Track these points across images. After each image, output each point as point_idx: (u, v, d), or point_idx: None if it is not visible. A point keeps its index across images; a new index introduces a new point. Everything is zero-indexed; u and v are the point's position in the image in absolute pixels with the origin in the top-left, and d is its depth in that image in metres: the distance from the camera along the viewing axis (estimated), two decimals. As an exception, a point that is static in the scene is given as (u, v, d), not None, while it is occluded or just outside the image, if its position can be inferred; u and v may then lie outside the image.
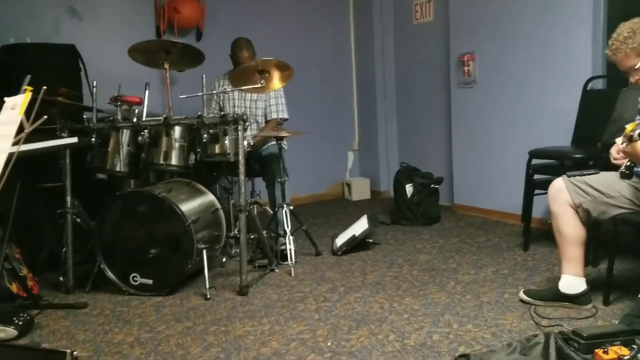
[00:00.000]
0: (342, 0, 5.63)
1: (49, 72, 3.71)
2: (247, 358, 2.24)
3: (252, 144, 3.41)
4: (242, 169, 3.08)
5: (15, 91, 3.21)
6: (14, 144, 1.12)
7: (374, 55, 5.45)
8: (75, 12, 4.36)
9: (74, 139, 2.95)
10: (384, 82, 5.50)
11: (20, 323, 2.50)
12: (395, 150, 5.57)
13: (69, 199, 3.18)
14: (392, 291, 2.91)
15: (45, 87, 1.22)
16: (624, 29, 2.25)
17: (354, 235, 3.65)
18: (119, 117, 3.21)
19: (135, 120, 3.18)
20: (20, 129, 1.15)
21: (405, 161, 4.84)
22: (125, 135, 3.23)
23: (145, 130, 3.16)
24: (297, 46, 5.17)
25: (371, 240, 3.82)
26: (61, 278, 3.13)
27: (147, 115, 3.23)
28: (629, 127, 2.18)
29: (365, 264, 3.42)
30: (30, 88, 1.19)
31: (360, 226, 3.74)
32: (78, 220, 3.21)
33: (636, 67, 2.24)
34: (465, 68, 4.47)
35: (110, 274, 3.06)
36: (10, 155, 1.12)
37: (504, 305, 2.64)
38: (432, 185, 4.45)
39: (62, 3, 4.31)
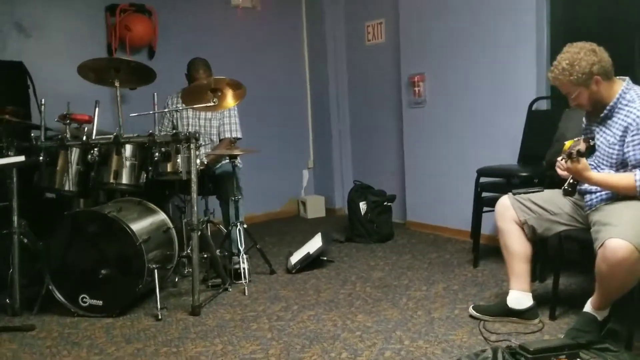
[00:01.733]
0: (295, 20, 5.70)
1: (-6, 89, 3.64)
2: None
3: (205, 162, 3.41)
4: (194, 187, 3.06)
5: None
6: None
7: (328, 74, 5.54)
8: (22, 28, 4.27)
9: (21, 158, 2.89)
10: (338, 101, 5.59)
11: (-40, 349, 2.41)
12: (349, 168, 5.65)
13: (15, 219, 3.09)
14: (345, 308, 2.94)
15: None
16: (563, 58, 2.30)
17: (308, 253, 3.67)
18: (68, 136, 3.15)
19: (85, 138, 3.12)
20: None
21: (359, 179, 4.92)
22: (75, 154, 3.16)
23: (95, 149, 3.11)
24: (250, 65, 5.20)
25: (325, 258, 3.85)
26: (7, 300, 3.03)
27: (98, 134, 3.18)
28: (567, 143, 2.30)
29: (319, 282, 3.44)
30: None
31: (314, 244, 3.77)
32: (25, 240, 3.12)
33: (572, 96, 2.34)
34: (416, 89, 4.59)
35: (58, 296, 2.98)
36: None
37: (454, 320, 2.70)
38: (385, 203, 4.53)
39: (9, 19, 4.21)
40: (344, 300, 3.08)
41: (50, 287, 2.98)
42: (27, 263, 3.13)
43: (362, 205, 4.46)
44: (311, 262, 3.68)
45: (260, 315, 2.90)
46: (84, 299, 2.97)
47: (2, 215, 3.13)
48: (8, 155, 2.98)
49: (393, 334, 2.57)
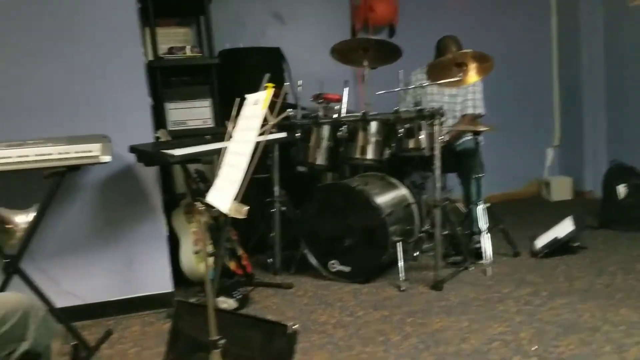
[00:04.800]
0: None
1: (258, 74, 4.08)
2: (446, 352, 2.23)
3: (446, 139, 3.39)
4: (437, 163, 3.06)
5: (232, 91, 3.60)
6: (260, 135, 1.25)
7: (580, 43, 5.00)
8: (279, 16, 4.71)
9: (283, 134, 3.21)
10: (591, 70, 5.01)
11: (240, 297, 2.81)
12: (603, 147, 5.05)
13: (276, 189, 3.46)
14: (604, 300, 2.66)
15: (273, 85, 1.34)
16: None
17: (557, 237, 3.41)
18: (321, 114, 3.41)
19: (335, 116, 3.35)
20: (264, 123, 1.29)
21: (617, 158, 4.37)
22: (326, 131, 3.41)
23: (344, 126, 3.32)
24: (491, 39, 4.92)
25: (576, 244, 3.53)
26: (269, 260, 3.43)
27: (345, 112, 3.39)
28: None
29: (570, 269, 3.17)
30: (271, 85, 1.32)
31: (563, 228, 3.48)
32: (283, 208, 3.48)
33: None
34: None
35: (312, 259, 3.27)
36: (257, 145, 1.26)
37: None
38: (651, 187, 3.96)
39: (268, 9, 4.68)
40: (601, 291, 2.80)
41: (305, 251, 3.29)
42: (285, 229, 3.50)
43: (621, 189, 3.97)
44: (559, 248, 3.41)
45: (506, 297, 2.79)
46: (333, 264, 3.20)
47: (265, 186, 3.54)
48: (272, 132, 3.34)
49: (667, 333, 2.25)
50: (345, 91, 3.42)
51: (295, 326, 1.64)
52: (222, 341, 1.36)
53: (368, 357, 2.24)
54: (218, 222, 2.82)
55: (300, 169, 4.03)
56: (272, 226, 3.46)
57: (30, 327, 1.34)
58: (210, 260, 3.15)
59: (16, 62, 2.68)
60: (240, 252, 3.26)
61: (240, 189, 1.25)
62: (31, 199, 2.11)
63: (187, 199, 3.33)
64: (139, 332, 2.68)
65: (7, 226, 1.19)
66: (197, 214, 1.34)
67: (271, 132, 3.36)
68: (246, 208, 1.23)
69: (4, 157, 2.29)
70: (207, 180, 3.43)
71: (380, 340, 2.38)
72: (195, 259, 3.18)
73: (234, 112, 1.44)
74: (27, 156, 2.32)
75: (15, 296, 1.42)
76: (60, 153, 2.35)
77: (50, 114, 2.73)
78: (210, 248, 3.19)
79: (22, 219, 1.21)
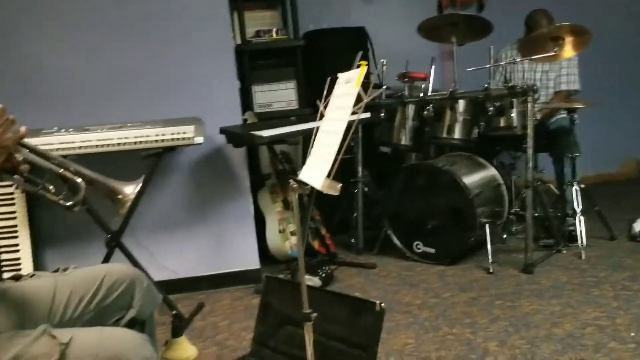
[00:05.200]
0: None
1: (342, 54, 4.06)
2: (537, 335, 2.17)
3: (538, 117, 3.25)
4: (530, 142, 2.96)
5: (315, 72, 3.63)
6: (353, 113, 1.25)
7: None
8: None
9: (367, 114, 3.20)
10: None
11: (324, 275, 2.86)
12: None
13: (360, 169, 3.47)
14: None
15: (366, 64, 1.34)
16: None
17: (658, 220, 3.19)
18: (406, 93, 3.37)
19: (421, 95, 3.29)
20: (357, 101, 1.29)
21: None
22: (411, 110, 3.37)
23: (430, 105, 3.26)
24: (587, 9, 4.64)
25: (683, 229, 3.30)
26: (352, 240, 3.45)
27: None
28: None
29: (675, 255, 2.98)
30: (364, 63, 1.32)
31: (667, 211, 3.26)
32: (366, 189, 3.49)
33: None
34: None
35: (395, 240, 3.25)
36: (350, 123, 1.27)
37: None
38: None
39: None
40: None
41: (388, 231, 3.28)
42: (368, 208, 3.50)
43: None
44: (662, 232, 3.20)
45: (602, 282, 2.66)
46: (418, 245, 3.18)
47: (348, 166, 3.55)
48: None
49: None
50: (432, 69, 3.36)
51: (383, 304, 1.65)
52: (314, 314, 1.40)
53: (455, 339, 2.22)
54: (302, 202, 2.87)
55: (383, 149, 4.02)
56: (355, 206, 3.47)
57: (137, 296, 1.43)
58: (295, 238, 3.24)
59: (112, 49, 2.83)
60: (323, 231, 3.31)
61: (333, 166, 1.26)
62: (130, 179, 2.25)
63: (272, 179, 3.41)
64: (228, 305, 2.80)
65: (118, 196, 1.27)
66: (290, 191, 1.37)
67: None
68: (340, 185, 1.24)
69: (106, 139, 2.45)
70: (291, 161, 3.50)
71: (467, 322, 2.35)
72: (280, 237, 3.27)
73: (324, 92, 1.45)
74: (127, 138, 2.47)
75: (122, 266, 1.52)
76: (157, 135, 2.49)
77: (145, 97, 2.87)
78: (294, 227, 3.27)
79: (131, 189, 1.29)
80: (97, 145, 2.42)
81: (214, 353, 2.27)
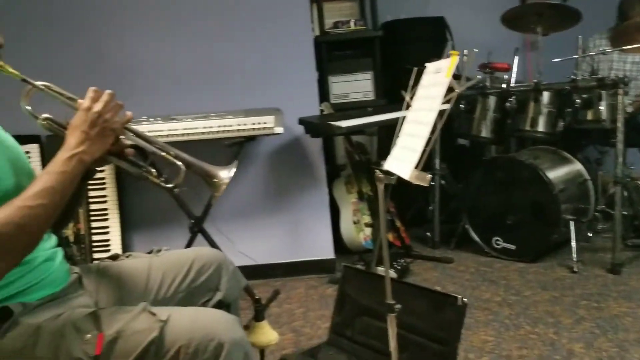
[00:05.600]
0: None
1: (420, 45, 4.01)
2: (626, 339, 2.06)
3: (629, 110, 3.07)
4: (620, 136, 2.80)
5: (393, 63, 3.59)
6: (444, 103, 1.23)
7: None
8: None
9: (447, 106, 3.12)
10: None
11: (399, 268, 2.84)
12: None
13: (437, 161, 3.41)
14: None
15: (457, 53, 1.31)
16: None
17: None
18: (488, 84, 3.27)
19: (504, 86, 3.19)
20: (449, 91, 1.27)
21: None
22: (492, 102, 3.27)
23: (513, 96, 3.15)
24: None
25: None
26: (428, 233, 3.41)
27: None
28: None
29: None
30: (456, 52, 1.29)
31: None
32: (443, 182, 3.42)
33: None
34: None
35: (473, 235, 3.18)
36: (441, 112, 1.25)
37: None
38: None
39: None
40: None
41: (466, 226, 3.21)
42: (444, 202, 3.44)
43: None
44: None
45: (700, 287, 2.50)
46: (497, 241, 3.09)
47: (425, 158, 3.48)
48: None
49: None
50: (515, 60, 3.24)
51: (465, 299, 1.62)
52: (398, 306, 1.39)
53: (538, 338, 2.15)
54: (377, 194, 2.86)
55: (461, 141, 3.93)
56: (431, 199, 3.42)
57: (223, 279, 1.47)
58: (369, 230, 3.24)
59: (199, 42, 2.93)
60: (398, 224, 3.29)
61: (422, 157, 1.25)
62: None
63: (347, 170, 3.42)
64: (303, 294, 2.83)
65: (214, 180, 1.32)
66: (376, 181, 1.37)
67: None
68: (429, 176, 1.23)
69: (191, 128, 2.54)
70: (367, 152, 3.49)
71: (551, 321, 2.27)
72: (354, 228, 3.27)
73: (411, 82, 1.44)
74: (211, 127, 2.55)
75: (210, 250, 1.57)
76: (239, 125, 2.56)
77: (228, 88, 2.95)
78: (369, 219, 3.27)
79: (225, 174, 1.34)
80: (183, 134, 2.52)
81: (291, 339, 2.32)
